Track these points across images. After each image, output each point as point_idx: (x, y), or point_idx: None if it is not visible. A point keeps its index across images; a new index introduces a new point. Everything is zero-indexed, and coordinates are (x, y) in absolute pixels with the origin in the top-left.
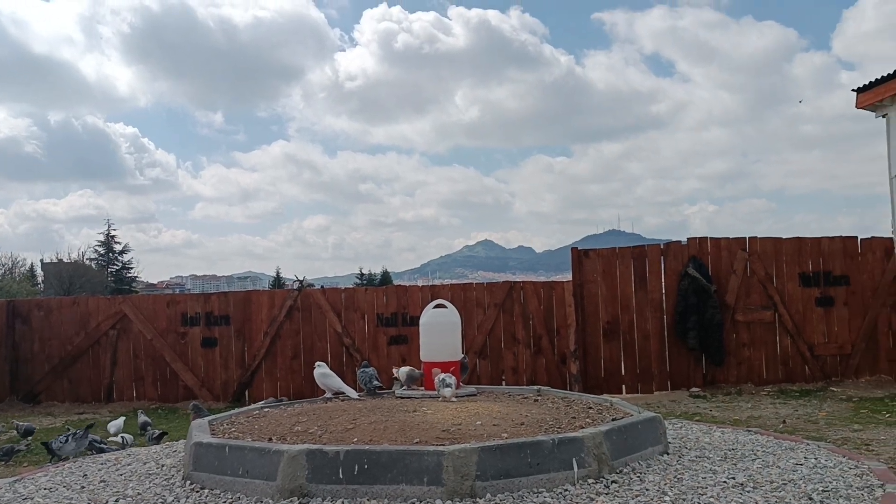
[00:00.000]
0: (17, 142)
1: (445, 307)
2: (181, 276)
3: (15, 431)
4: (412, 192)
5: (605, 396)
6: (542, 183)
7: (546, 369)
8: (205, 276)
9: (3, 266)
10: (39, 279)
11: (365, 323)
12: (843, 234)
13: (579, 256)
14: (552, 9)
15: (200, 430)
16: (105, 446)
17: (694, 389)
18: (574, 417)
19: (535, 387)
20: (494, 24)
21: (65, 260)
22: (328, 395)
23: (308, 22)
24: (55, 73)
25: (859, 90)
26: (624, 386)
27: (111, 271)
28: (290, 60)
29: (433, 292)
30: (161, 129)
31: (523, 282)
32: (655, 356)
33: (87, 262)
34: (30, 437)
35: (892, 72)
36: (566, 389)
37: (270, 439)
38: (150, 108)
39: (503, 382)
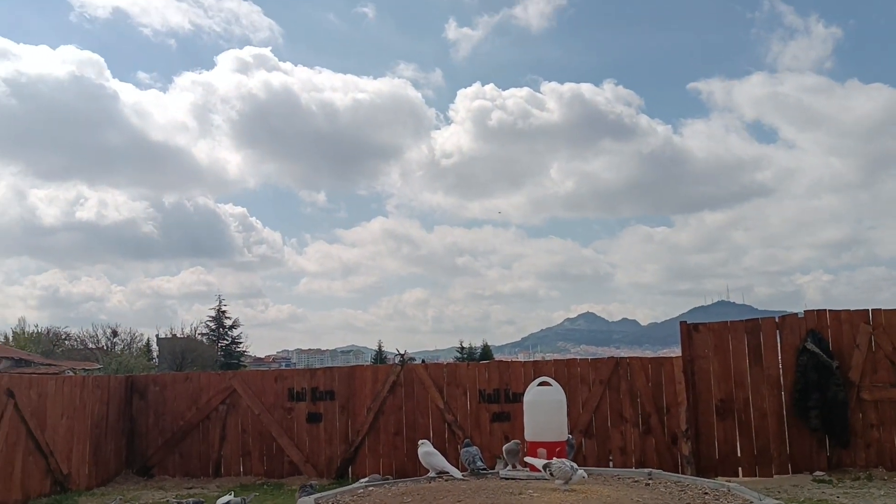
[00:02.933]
0: (135, 223)
1: (550, 385)
2: (287, 350)
3: None
4: (509, 264)
5: (722, 480)
6: (643, 253)
7: (656, 450)
8: (310, 349)
9: (123, 342)
10: (154, 354)
11: (467, 399)
12: None
13: (689, 330)
14: (646, 80)
15: None
16: None
17: (818, 473)
18: None
19: (646, 469)
20: (588, 97)
21: (178, 335)
22: (431, 474)
23: (405, 102)
24: (171, 158)
25: None
26: (740, 468)
27: (221, 346)
28: (388, 140)
29: (536, 368)
30: (268, 209)
31: (630, 357)
32: (774, 436)
33: (199, 336)
34: None
35: None
36: (678, 472)
37: None
38: (258, 189)
39: (610, 463)
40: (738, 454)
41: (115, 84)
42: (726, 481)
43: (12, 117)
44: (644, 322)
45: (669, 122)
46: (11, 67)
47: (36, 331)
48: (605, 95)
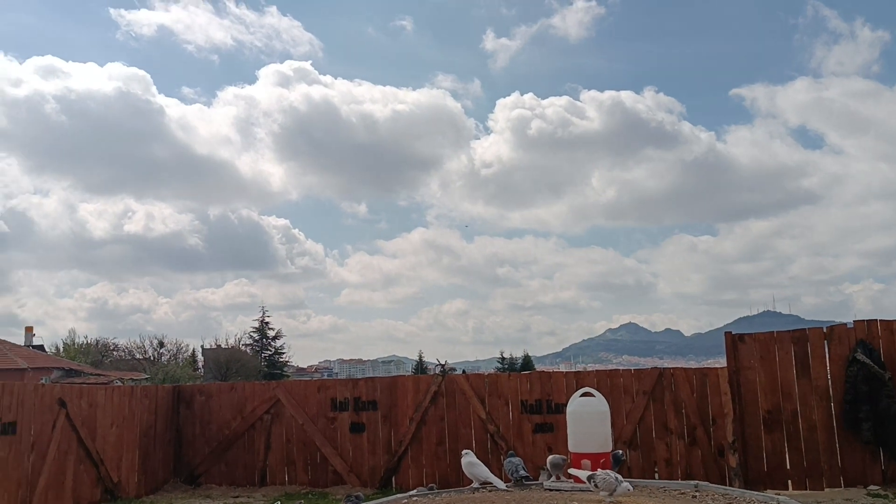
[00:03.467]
0: (181, 236)
1: (593, 395)
2: (329, 361)
3: None
4: (550, 274)
5: (770, 493)
6: (686, 263)
7: (702, 462)
8: (351, 360)
9: (169, 352)
10: (200, 364)
11: (509, 409)
12: None
13: (734, 341)
14: (688, 87)
15: None
16: None
17: (872, 487)
18: None
19: (693, 482)
20: (629, 105)
21: (222, 346)
22: (475, 484)
23: (444, 113)
24: (215, 171)
25: None
26: (790, 481)
27: (265, 356)
28: (428, 151)
29: (578, 379)
30: (310, 221)
31: (673, 368)
32: (824, 449)
33: (243, 347)
34: None
35: None
36: (725, 484)
37: None
38: (301, 201)
39: (656, 475)
40: (788, 467)
41: (160, 99)
42: (776, 494)
43: (63, 133)
44: (688, 332)
45: (712, 129)
46: (61, 84)
47: (85, 342)
48: (646, 103)
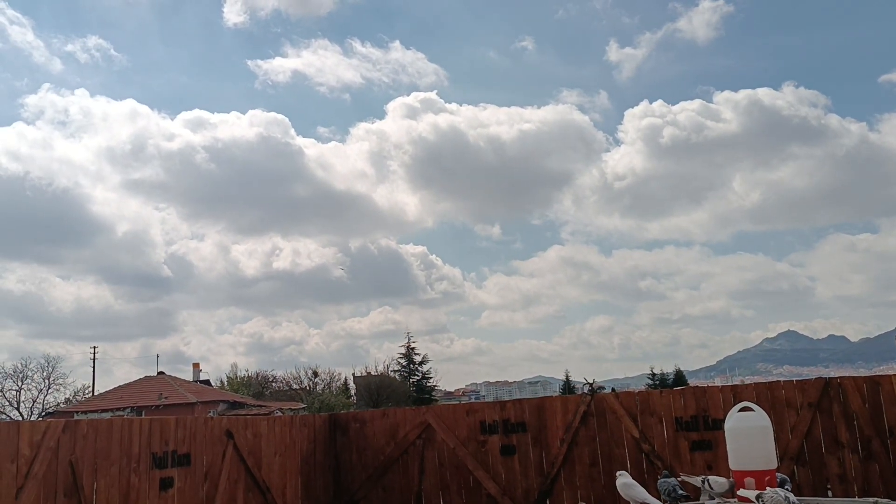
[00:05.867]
0: (326, 269)
1: (752, 410)
2: (475, 384)
3: None
4: (696, 285)
5: None
6: (846, 263)
7: (881, 477)
8: (497, 382)
9: (323, 381)
10: (352, 391)
11: (663, 427)
12: None
13: None
14: (831, 78)
15: None
16: None
17: None
18: None
19: (871, 499)
20: (767, 103)
21: (372, 373)
22: None
23: (572, 128)
24: (354, 205)
25: None
26: None
27: (413, 381)
28: (558, 167)
29: (735, 392)
30: (446, 246)
31: (840, 377)
32: None
33: (392, 373)
34: None
35: None
36: None
37: None
38: (436, 228)
39: (829, 493)
40: None
41: (299, 141)
42: None
43: (213, 180)
44: (854, 338)
45: (863, 120)
46: (209, 135)
47: (246, 375)
48: (787, 99)
